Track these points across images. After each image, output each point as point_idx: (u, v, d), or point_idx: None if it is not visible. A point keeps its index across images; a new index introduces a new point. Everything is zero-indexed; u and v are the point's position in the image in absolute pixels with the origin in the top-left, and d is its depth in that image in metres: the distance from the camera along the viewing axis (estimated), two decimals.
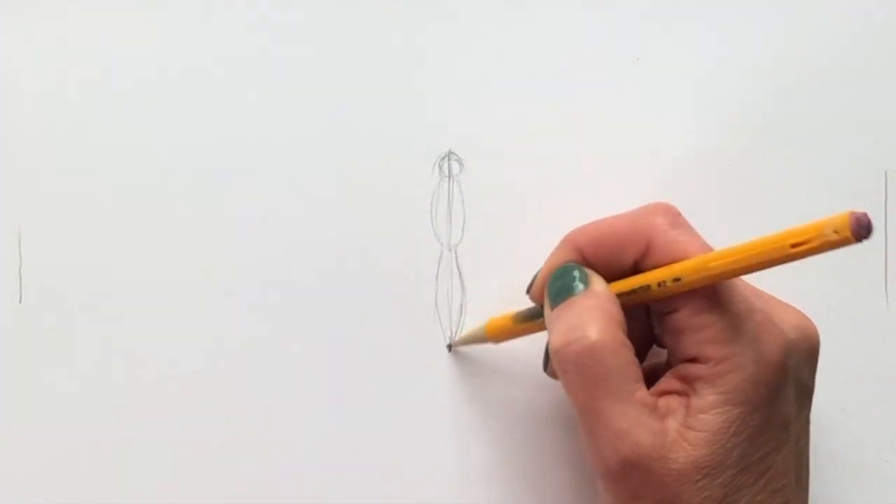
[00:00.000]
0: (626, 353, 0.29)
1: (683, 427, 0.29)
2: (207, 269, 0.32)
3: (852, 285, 0.33)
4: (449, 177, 0.32)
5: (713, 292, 0.29)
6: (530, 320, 0.31)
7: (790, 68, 0.33)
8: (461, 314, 0.33)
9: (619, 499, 0.30)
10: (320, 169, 0.32)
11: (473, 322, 0.33)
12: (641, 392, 0.29)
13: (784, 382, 0.29)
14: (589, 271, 0.30)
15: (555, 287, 0.31)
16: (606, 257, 0.30)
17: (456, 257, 0.33)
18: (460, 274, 0.33)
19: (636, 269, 0.29)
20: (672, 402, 0.29)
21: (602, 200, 0.31)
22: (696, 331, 0.29)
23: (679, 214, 0.30)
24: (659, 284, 0.28)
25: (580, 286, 0.30)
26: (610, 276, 0.30)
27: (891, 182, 0.33)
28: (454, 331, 0.33)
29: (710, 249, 0.29)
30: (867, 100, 0.33)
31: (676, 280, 0.28)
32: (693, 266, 0.28)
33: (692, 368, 0.29)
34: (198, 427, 0.32)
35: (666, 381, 0.30)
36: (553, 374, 0.32)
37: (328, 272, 0.32)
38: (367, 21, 0.32)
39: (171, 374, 0.32)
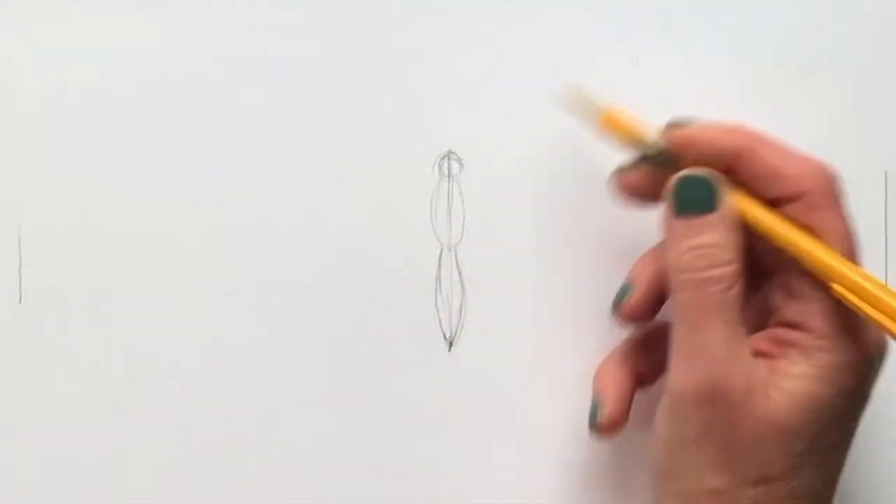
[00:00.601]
0: (741, 289, 0.29)
1: (770, 384, 0.29)
2: (207, 268, 0.32)
3: None
4: (449, 177, 0.32)
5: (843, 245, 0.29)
6: (641, 148, 0.30)
7: (790, 68, 0.33)
8: (461, 314, 0.33)
9: (687, 427, 0.30)
10: (320, 169, 0.32)
11: (474, 322, 0.33)
12: (744, 333, 0.29)
13: (872, 379, 0.29)
14: (724, 187, 0.30)
15: (686, 194, 0.30)
16: (758, 177, 0.30)
17: (456, 257, 0.33)
18: (460, 274, 0.33)
19: (772, 205, 0.29)
20: (758, 361, 0.29)
21: (603, 199, 0.31)
22: (810, 299, 0.29)
23: (840, 186, 0.30)
24: (792, 252, 0.29)
25: (713, 205, 0.30)
26: (740, 187, 0.29)
27: (891, 182, 0.33)
28: (454, 331, 0.33)
29: (849, 236, 0.29)
30: (867, 100, 0.33)
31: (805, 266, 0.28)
32: (816, 256, 0.28)
33: (791, 334, 0.29)
34: (197, 427, 0.32)
35: (756, 340, 0.30)
36: (623, 315, 0.32)
37: (328, 272, 0.32)
38: (367, 21, 0.32)
39: (170, 374, 0.32)
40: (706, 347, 0.29)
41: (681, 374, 0.29)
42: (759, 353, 0.29)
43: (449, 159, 0.32)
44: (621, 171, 0.31)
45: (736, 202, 0.29)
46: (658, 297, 0.31)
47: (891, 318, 0.27)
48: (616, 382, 0.32)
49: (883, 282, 0.28)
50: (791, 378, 0.29)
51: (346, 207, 0.32)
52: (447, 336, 0.32)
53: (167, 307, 0.32)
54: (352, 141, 0.32)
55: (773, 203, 0.29)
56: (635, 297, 0.31)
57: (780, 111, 0.29)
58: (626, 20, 0.33)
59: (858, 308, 0.27)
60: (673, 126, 0.30)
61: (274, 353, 0.32)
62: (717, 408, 0.29)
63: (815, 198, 0.29)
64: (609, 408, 0.32)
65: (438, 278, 0.33)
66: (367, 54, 0.33)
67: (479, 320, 0.32)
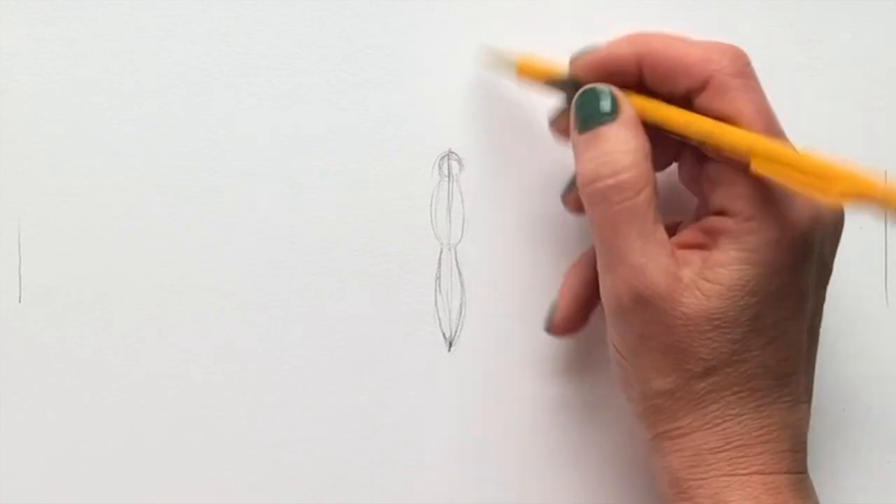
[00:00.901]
0: (651, 192, 0.29)
1: (699, 277, 0.29)
2: (207, 268, 0.32)
3: (852, 285, 0.33)
4: (449, 177, 0.32)
5: (761, 120, 0.28)
6: (559, 88, 0.30)
7: (789, 67, 0.33)
8: (461, 314, 0.33)
9: (628, 337, 0.30)
10: (320, 169, 0.32)
11: (473, 322, 0.33)
12: (661, 234, 0.29)
13: (808, 253, 0.29)
14: (620, 95, 0.30)
15: (584, 110, 0.30)
16: (662, 75, 0.30)
17: (456, 257, 0.33)
18: (460, 274, 0.33)
19: (685, 100, 0.29)
20: (691, 254, 0.29)
21: None
22: (731, 183, 0.29)
23: (748, 63, 0.29)
24: (695, 139, 0.28)
25: (610, 114, 0.30)
26: (660, 92, 0.30)
27: (891, 182, 0.33)
28: (454, 331, 0.33)
29: (764, 112, 0.29)
30: (867, 100, 0.33)
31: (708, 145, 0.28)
32: (727, 140, 0.28)
33: (718, 221, 0.29)
34: (196, 428, 0.32)
35: (689, 233, 0.30)
36: (571, 205, 0.32)
37: (328, 272, 0.32)
38: (367, 20, 0.32)
39: (171, 375, 0.32)
40: (622, 259, 0.29)
41: (606, 288, 0.30)
42: (692, 246, 0.29)
43: (449, 159, 0.32)
44: (553, 120, 0.31)
45: (636, 106, 0.29)
46: (585, 303, 0.32)
47: (813, 181, 0.27)
48: (576, 284, 0.33)
49: (797, 148, 0.27)
50: (721, 266, 0.29)
51: (346, 207, 0.32)
52: (447, 336, 0.32)
53: (167, 307, 0.32)
54: (351, 141, 0.32)
55: (687, 97, 0.29)
56: (559, 315, 0.32)
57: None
58: (628, 21, 0.33)
59: (781, 175, 0.27)
60: (577, 56, 0.30)
61: (274, 354, 0.32)
62: (646, 314, 0.29)
63: (722, 79, 0.29)
64: (562, 309, 0.32)
65: (438, 278, 0.33)
66: (366, 54, 0.33)
67: (479, 320, 0.32)
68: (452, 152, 0.32)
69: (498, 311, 0.33)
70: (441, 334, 0.32)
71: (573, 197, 0.31)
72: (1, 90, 0.32)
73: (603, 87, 0.30)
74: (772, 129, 0.29)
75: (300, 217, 0.32)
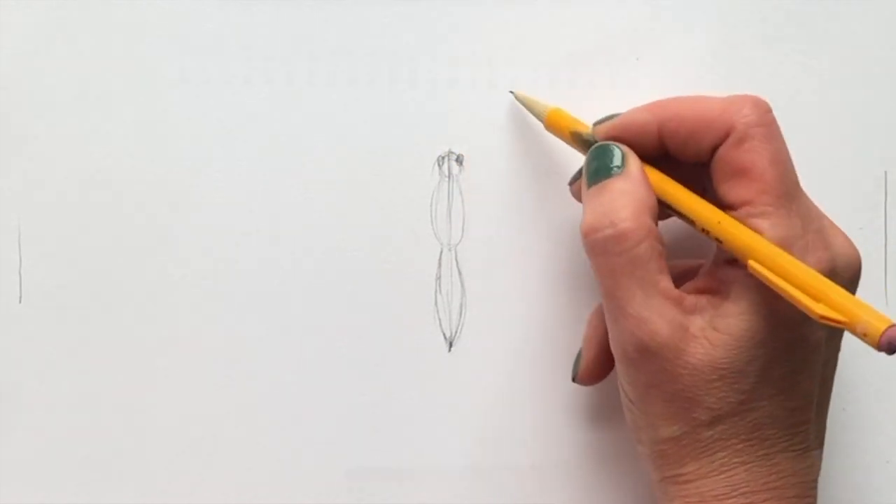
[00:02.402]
0: (653, 243, 0.29)
1: (709, 326, 0.29)
2: (208, 268, 0.32)
3: None
4: (449, 177, 0.32)
5: (775, 199, 0.29)
6: (582, 145, 0.31)
7: (789, 69, 0.33)
8: (461, 314, 0.33)
9: (636, 386, 0.30)
10: (321, 168, 0.32)
11: (473, 322, 0.33)
12: (665, 283, 0.29)
13: None
14: (627, 151, 0.30)
15: (592, 166, 0.31)
16: (686, 135, 0.30)
17: (456, 257, 0.33)
18: (460, 274, 0.33)
19: (713, 155, 0.29)
20: (703, 301, 0.29)
21: None
22: (749, 226, 0.29)
23: (769, 112, 0.30)
24: (692, 219, 0.29)
25: (617, 168, 0.30)
26: (685, 156, 0.30)
27: (891, 182, 0.33)
28: (454, 331, 0.33)
29: (780, 162, 0.29)
30: (867, 100, 0.33)
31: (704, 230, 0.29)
32: (726, 237, 0.28)
33: (731, 271, 0.29)
34: (198, 424, 0.32)
35: (703, 280, 0.30)
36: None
37: (328, 272, 0.32)
38: (368, 20, 0.32)
39: (172, 374, 0.32)
40: (624, 311, 0.29)
41: (613, 338, 0.30)
42: (707, 291, 0.30)
43: (448, 159, 0.32)
44: (572, 181, 0.32)
45: (652, 178, 0.30)
46: (609, 352, 0.32)
47: (803, 292, 0.27)
48: (598, 334, 0.33)
49: (793, 259, 0.27)
50: (731, 316, 0.29)
51: (347, 207, 0.32)
52: (447, 336, 0.33)
53: (170, 308, 0.32)
54: (352, 140, 0.33)
55: (712, 151, 0.29)
56: (584, 365, 0.33)
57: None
58: (626, 20, 0.33)
59: (772, 283, 0.27)
60: (599, 122, 0.31)
61: (275, 353, 0.32)
62: (652, 364, 0.29)
63: (744, 128, 0.29)
64: (586, 359, 0.33)
65: (439, 278, 0.33)
66: (367, 54, 0.33)
67: (479, 320, 0.33)
68: (452, 152, 0.32)
69: (498, 311, 0.33)
70: (441, 335, 0.33)
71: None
72: (1, 88, 0.32)
73: (613, 144, 0.30)
74: (784, 180, 0.29)
75: (301, 216, 0.32)
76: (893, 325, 0.25)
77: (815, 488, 0.31)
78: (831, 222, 0.31)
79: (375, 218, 0.32)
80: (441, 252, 0.33)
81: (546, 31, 0.33)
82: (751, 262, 0.27)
